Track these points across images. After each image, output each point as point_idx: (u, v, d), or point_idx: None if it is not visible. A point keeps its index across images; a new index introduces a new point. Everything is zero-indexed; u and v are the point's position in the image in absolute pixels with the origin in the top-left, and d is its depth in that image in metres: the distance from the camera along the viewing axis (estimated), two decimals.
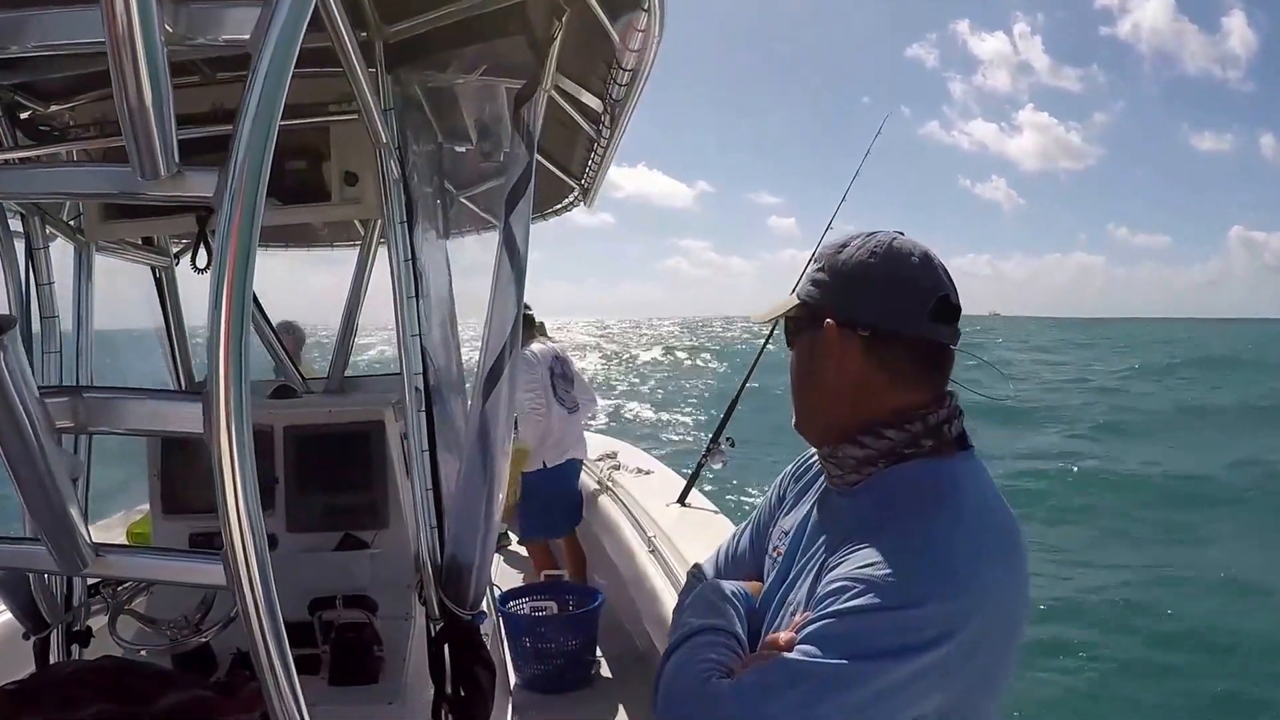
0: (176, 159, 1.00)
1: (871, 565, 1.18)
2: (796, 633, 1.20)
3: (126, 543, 3.22)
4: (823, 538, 1.37)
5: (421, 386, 2.22)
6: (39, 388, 1.05)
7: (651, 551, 4.27)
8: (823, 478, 1.49)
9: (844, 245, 1.39)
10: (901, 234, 1.40)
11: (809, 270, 1.45)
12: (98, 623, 2.53)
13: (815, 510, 1.46)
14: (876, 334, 1.32)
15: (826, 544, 1.35)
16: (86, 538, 1.14)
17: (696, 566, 1.74)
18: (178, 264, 3.33)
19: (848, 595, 1.17)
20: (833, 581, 1.22)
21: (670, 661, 1.33)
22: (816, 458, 1.53)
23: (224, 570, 1.02)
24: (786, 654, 1.18)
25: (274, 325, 3.52)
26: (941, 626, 1.12)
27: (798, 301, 1.43)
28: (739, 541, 1.68)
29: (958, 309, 1.34)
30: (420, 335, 2.22)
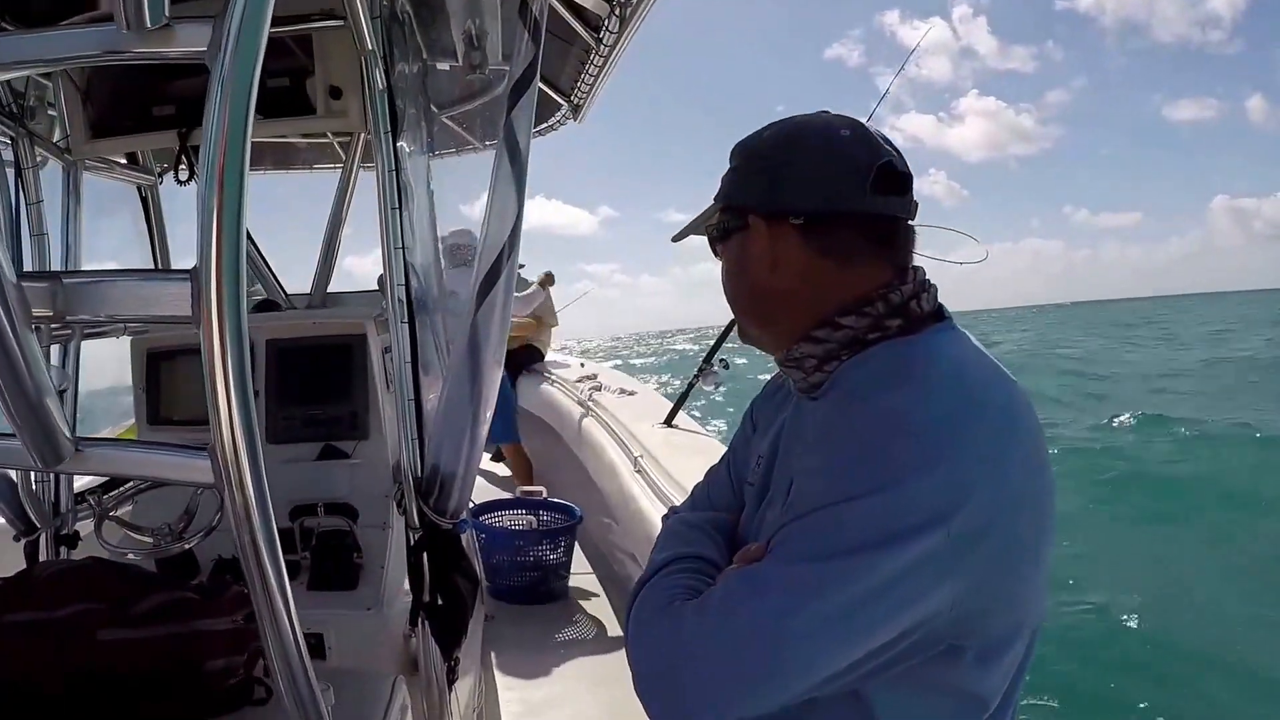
0: (166, 9, 0.92)
1: (839, 452, 1.06)
2: (768, 542, 1.06)
3: (109, 437, 3.23)
4: (794, 449, 1.24)
5: (405, 298, 2.23)
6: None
7: (638, 471, 4.27)
8: (793, 392, 1.33)
9: (760, 132, 1.25)
10: (827, 112, 1.24)
11: (726, 172, 1.29)
12: (85, 528, 2.57)
13: (785, 426, 1.31)
14: (812, 219, 1.17)
15: (797, 454, 1.21)
16: (66, 432, 1.08)
17: (672, 508, 1.57)
18: (161, 182, 3.33)
19: (816, 489, 1.04)
20: (802, 482, 1.09)
21: (637, 598, 1.21)
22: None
23: (211, 465, 0.98)
24: (753, 564, 1.05)
25: (254, 239, 3.51)
26: (930, 509, 0.97)
27: (718, 207, 1.29)
28: (716, 477, 1.52)
29: (906, 176, 1.19)
30: (404, 249, 2.23)
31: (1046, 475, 1.10)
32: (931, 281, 1.22)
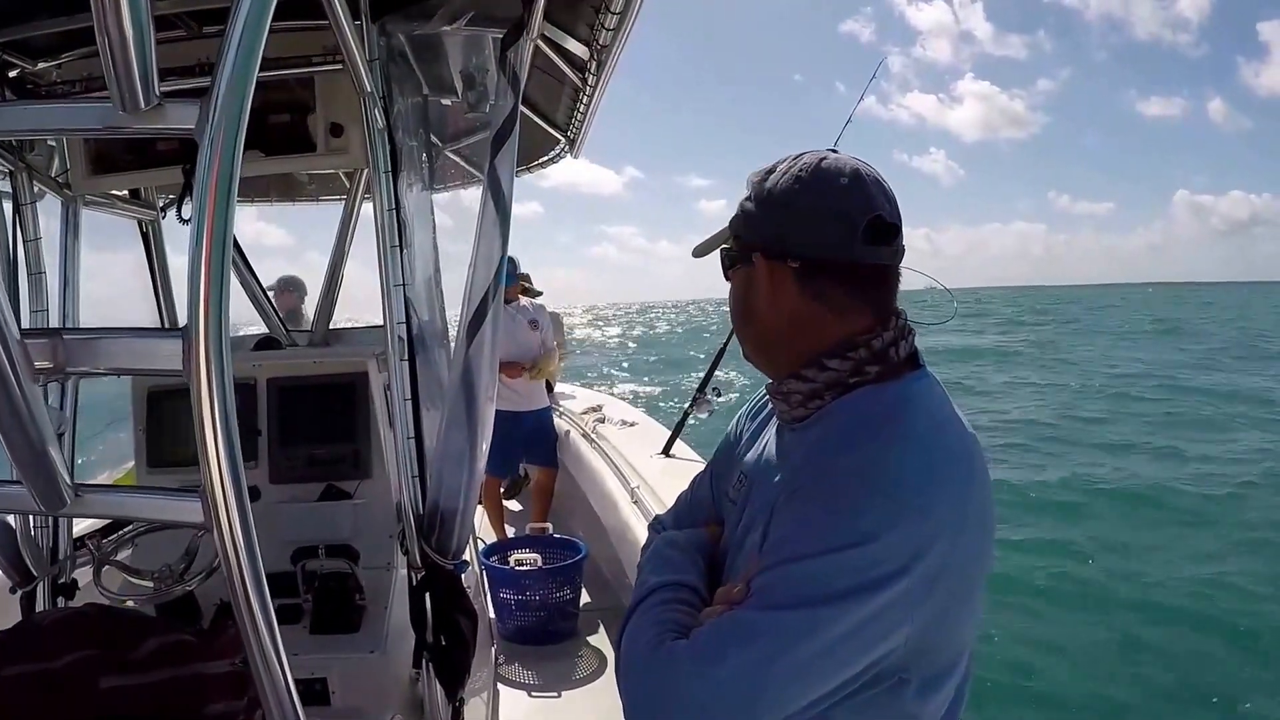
0: (157, 91, 0.98)
1: (819, 504, 1.15)
2: (748, 584, 1.16)
3: (107, 483, 3.22)
4: (775, 477, 1.32)
5: (405, 336, 2.23)
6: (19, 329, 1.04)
7: (635, 502, 4.32)
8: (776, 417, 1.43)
9: (771, 170, 1.32)
10: (834, 151, 1.31)
11: (741, 199, 1.37)
12: (84, 576, 2.54)
13: (768, 448, 1.40)
14: (807, 265, 1.26)
15: (778, 483, 1.29)
16: (66, 479, 1.13)
17: (657, 518, 1.67)
18: (164, 217, 3.32)
19: (797, 539, 1.13)
20: (782, 525, 1.19)
21: (628, 626, 1.29)
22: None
23: (202, 508, 1.02)
24: (738, 608, 1.14)
25: (258, 276, 3.50)
26: (899, 560, 1.07)
27: (731, 234, 1.39)
28: (698, 487, 1.62)
29: (895, 227, 1.26)
30: (404, 285, 2.23)
31: (992, 519, 1.22)
32: (911, 327, 1.32)
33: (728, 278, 1.41)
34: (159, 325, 3.38)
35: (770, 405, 1.48)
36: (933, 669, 1.16)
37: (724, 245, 1.41)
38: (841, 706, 1.12)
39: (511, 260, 6.42)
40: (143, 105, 0.98)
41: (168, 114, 1.00)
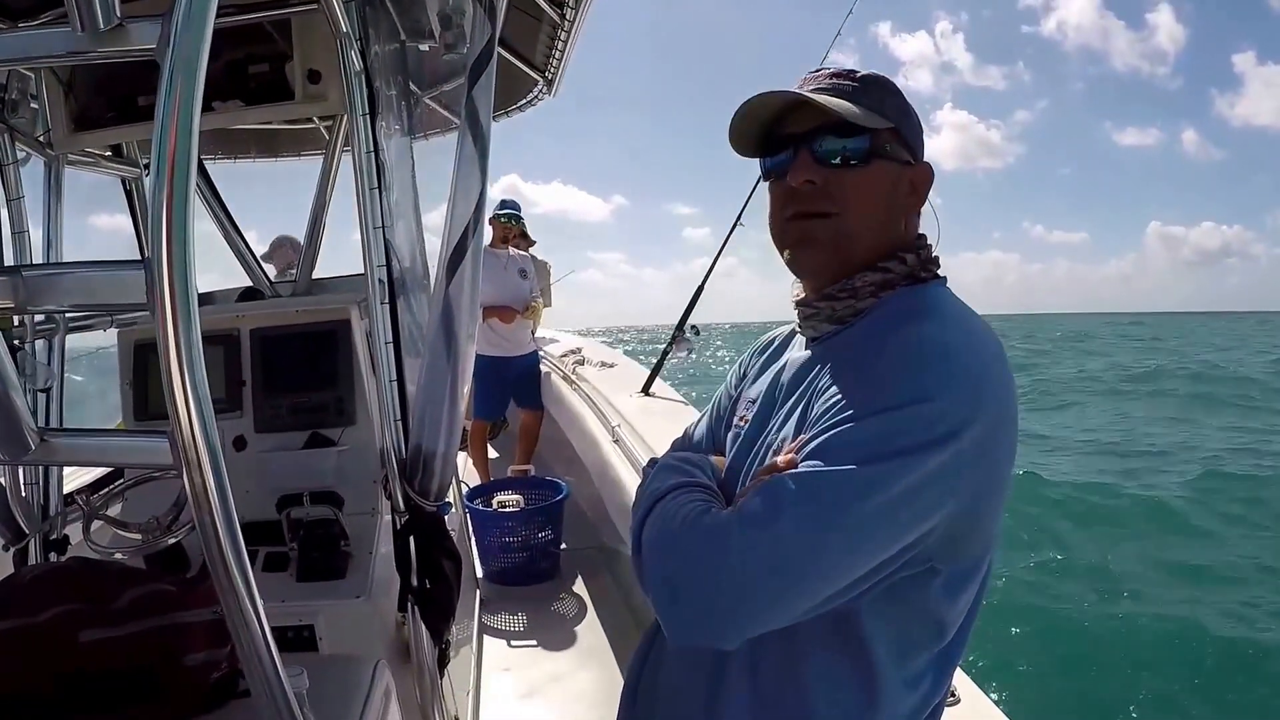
0: (117, 10, 0.95)
1: (873, 373, 1.11)
2: (796, 453, 1.10)
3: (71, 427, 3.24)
4: (804, 381, 1.27)
5: (385, 279, 2.22)
6: None
7: (615, 441, 4.34)
8: (791, 343, 1.43)
9: (874, 75, 1.29)
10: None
11: (866, 88, 1.26)
12: (76, 533, 2.55)
13: (786, 372, 1.34)
14: (924, 167, 1.31)
15: (810, 383, 1.24)
16: (30, 424, 1.10)
17: (653, 460, 1.54)
18: (147, 175, 3.29)
19: (850, 403, 1.09)
20: (831, 398, 1.13)
21: (648, 522, 1.21)
22: (782, 331, 1.50)
23: (170, 447, 0.98)
24: (794, 469, 1.07)
25: (239, 227, 3.49)
26: (952, 422, 1.04)
27: (887, 122, 1.25)
28: (699, 425, 1.58)
29: None
30: (384, 229, 2.22)
31: (1016, 421, 1.18)
32: None
33: (837, 162, 1.24)
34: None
35: (777, 341, 1.50)
36: (962, 562, 1.14)
37: (875, 128, 1.25)
38: (869, 598, 1.10)
39: (515, 203, 6.55)
40: (102, 25, 0.94)
41: (130, 34, 0.96)
